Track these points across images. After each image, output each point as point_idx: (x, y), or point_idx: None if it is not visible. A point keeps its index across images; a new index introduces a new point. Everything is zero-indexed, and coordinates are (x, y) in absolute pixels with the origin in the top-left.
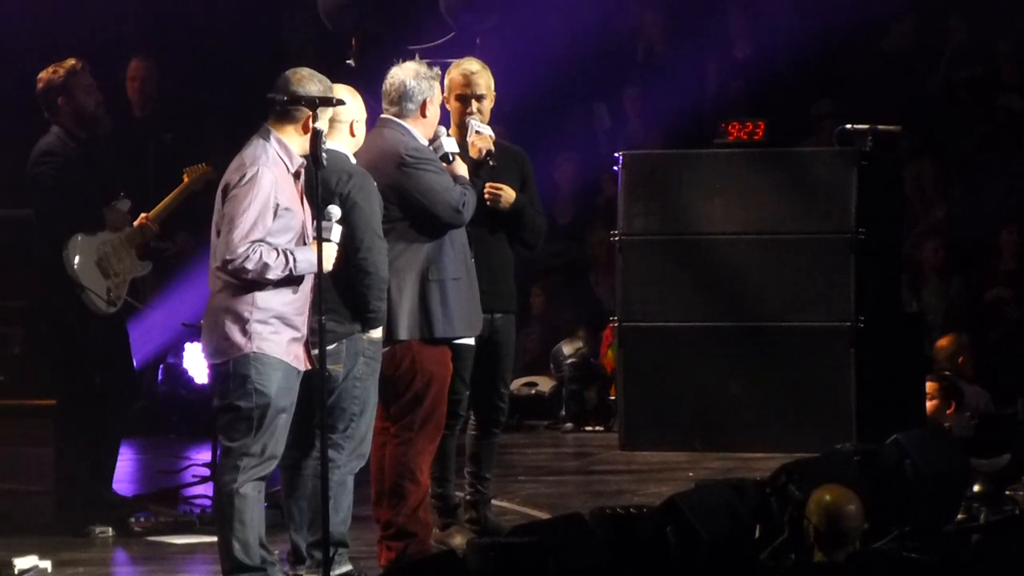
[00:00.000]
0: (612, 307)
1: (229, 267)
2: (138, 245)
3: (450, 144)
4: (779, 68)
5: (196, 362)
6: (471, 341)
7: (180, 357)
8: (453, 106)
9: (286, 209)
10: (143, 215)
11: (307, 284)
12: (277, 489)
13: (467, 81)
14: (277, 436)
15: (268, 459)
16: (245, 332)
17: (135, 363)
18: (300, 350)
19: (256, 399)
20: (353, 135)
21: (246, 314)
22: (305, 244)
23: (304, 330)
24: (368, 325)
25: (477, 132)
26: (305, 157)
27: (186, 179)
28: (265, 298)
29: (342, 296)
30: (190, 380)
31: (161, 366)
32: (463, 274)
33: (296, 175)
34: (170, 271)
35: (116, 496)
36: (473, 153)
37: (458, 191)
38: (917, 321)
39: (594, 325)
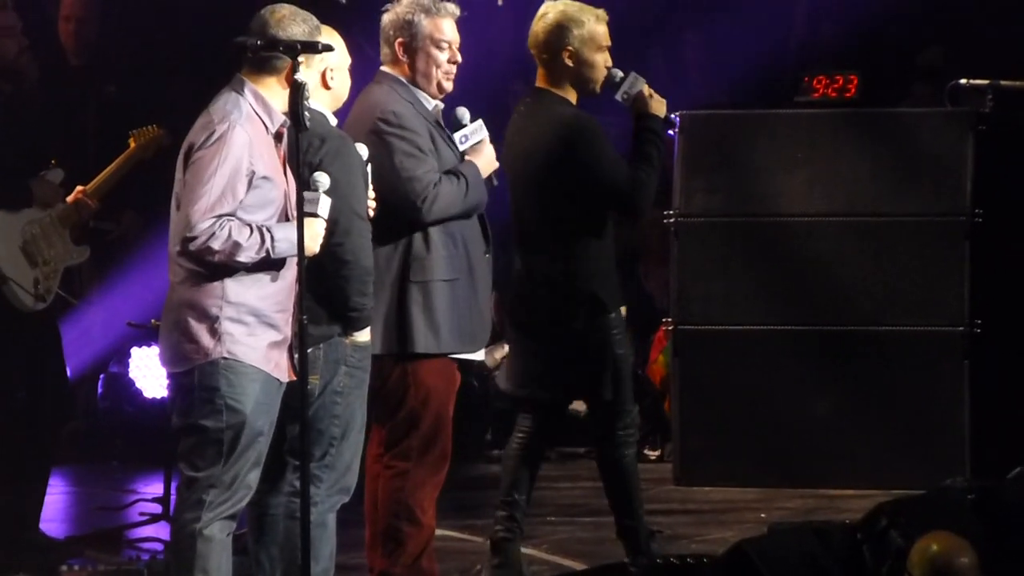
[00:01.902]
0: (665, 306)
1: (190, 247)
2: (73, 226)
3: (477, 129)
4: (876, 6)
5: (145, 371)
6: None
7: (125, 365)
8: (589, 58)
9: (264, 178)
10: (79, 188)
11: (290, 273)
12: (243, 532)
13: (607, 31)
14: (252, 463)
15: (240, 492)
16: (213, 333)
17: (69, 373)
18: (282, 356)
19: (227, 417)
20: (327, 87)
21: (214, 310)
22: (288, 221)
23: (287, 331)
24: (351, 326)
25: (643, 81)
26: (288, 115)
27: (132, 145)
28: (238, 290)
29: (316, 291)
30: (137, 394)
31: (102, 376)
32: (462, 274)
33: (277, 137)
34: (114, 258)
35: (44, 538)
36: (661, 110)
37: (426, 182)
38: None
39: (643, 328)
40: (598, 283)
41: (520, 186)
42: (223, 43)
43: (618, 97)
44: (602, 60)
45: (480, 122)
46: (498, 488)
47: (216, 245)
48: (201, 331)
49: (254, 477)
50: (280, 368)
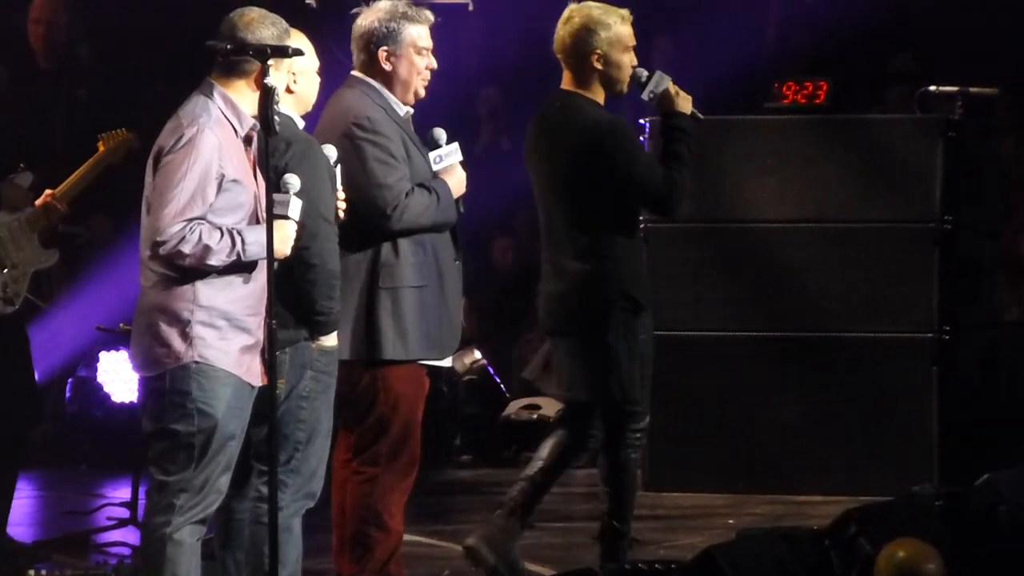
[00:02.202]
0: None
1: (161, 251)
2: (42, 229)
3: (452, 152)
4: (846, 13)
5: (114, 376)
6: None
7: (94, 369)
8: (616, 60)
9: (233, 181)
10: (48, 192)
11: (262, 276)
12: (210, 536)
13: (630, 31)
14: (223, 468)
15: (210, 496)
16: (185, 337)
17: (37, 376)
18: (254, 360)
19: (199, 421)
20: (292, 92)
21: (185, 314)
22: (259, 224)
23: (260, 335)
24: (317, 331)
25: (669, 79)
26: (257, 118)
27: (101, 148)
28: (209, 294)
29: (283, 295)
30: (105, 398)
31: (70, 380)
32: (432, 281)
33: (247, 140)
34: (83, 262)
35: (11, 542)
36: (688, 107)
37: (397, 190)
38: (1017, 332)
39: None
40: (629, 283)
41: (548, 187)
42: (194, 46)
43: (644, 96)
44: (628, 60)
45: (456, 145)
46: (467, 494)
47: (186, 249)
48: (172, 335)
49: (224, 481)
50: (252, 372)
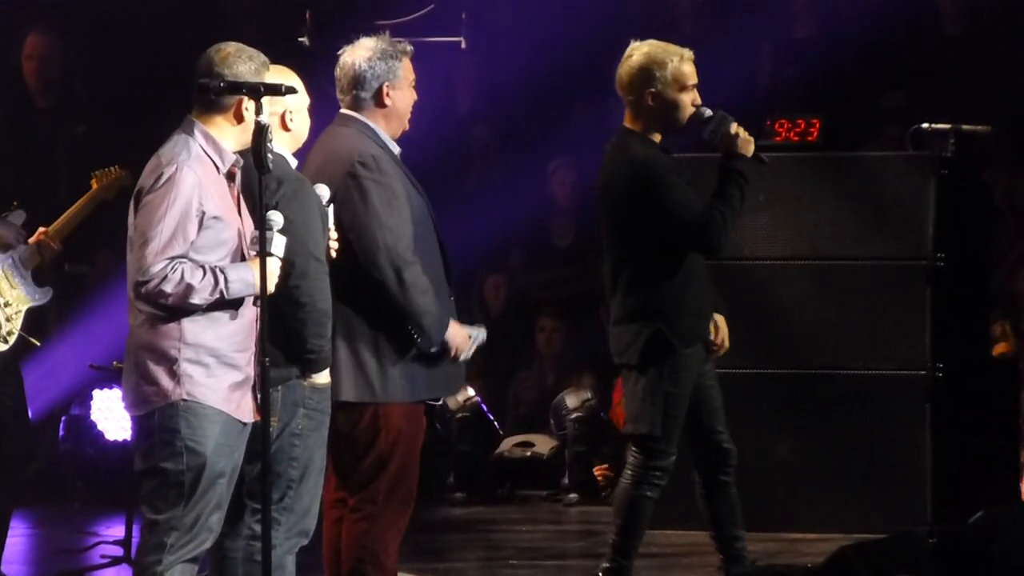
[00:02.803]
0: None
1: (143, 290)
2: (36, 267)
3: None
4: (838, 51)
5: (107, 414)
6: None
7: (87, 407)
8: (673, 99)
9: (215, 218)
10: (41, 230)
11: (249, 312)
12: (205, 574)
13: (692, 68)
14: (214, 506)
15: (201, 534)
16: (173, 375)
17: (31, 415)
18: (245, 398)
19: (187, 459)
20: (287, 129)
21: (172, 352)
22: (244, 261)
23: (250, 371)
24: (309, 368)
25: (731, 120)
26: (242, 154)
27: (95, 186)
28: (195, 331)
29: (272, 333)
30: (99, 436)
31: (63, 418)
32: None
33: (229, 176)
34: (79, 300)
35: None
36: (749, 149)
37: (400, 235)
38: (1010, 369)
39: (604, 371)
40: (666, 321)
41: (605, 225)
42: (189, 83)
43: (705, 136)
44: (688, 99)
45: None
46: (460, 531)
47: (168, 288)
48: (160, 373)
49: (216, 520)
50: (242, 409)
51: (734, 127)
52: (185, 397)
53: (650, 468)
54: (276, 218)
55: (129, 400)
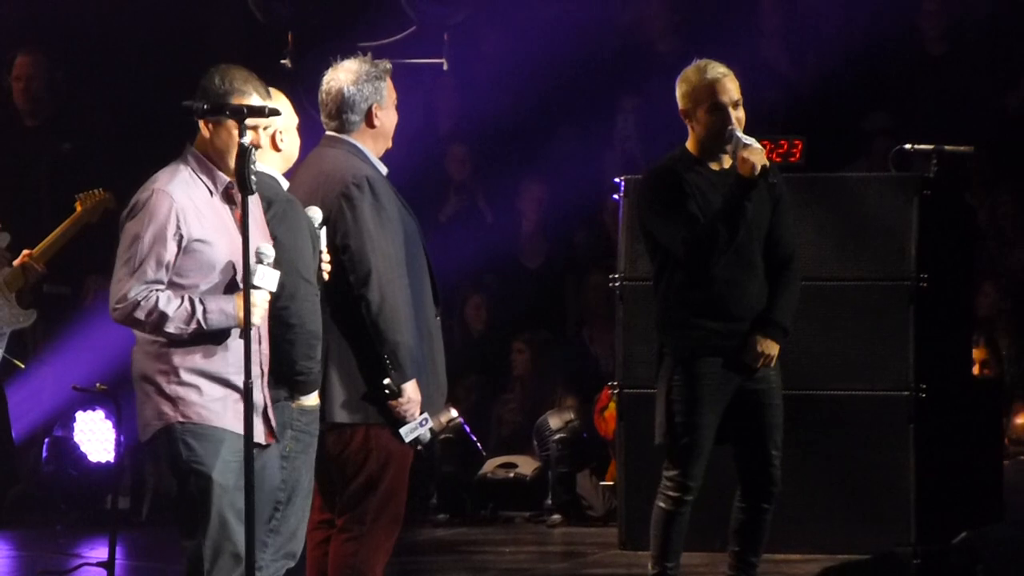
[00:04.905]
0: (610, 369)
1: (115, 316)
2: (20, 289)
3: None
4: (821, 73)
5: (90, 435)
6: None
7: (70, 429)
8: (702, 119)
9: (199, 241)
10: (25, 252)
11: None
12: None
13: (721, 87)
14: (234, 527)
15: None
16: (167, 398)
17: (14, 436)
18: (249, 414)
19: (194, 481)
20: (277, 149)
21: (164, 375)
22: (228, 293)
23: (257, 389)
24: (298, 391)
25: (746, 145)
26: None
27: (79, 208)
28: (182, 354)
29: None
30: (82, 457)
31: (46, 440)
32: (420, 338)
33: (227, 198)
34: (61, 322)
35: None
36: (745, 170)
37: (394, 260)
38: (993, 389)
39: (588, 392)
40: (671, 333)
41: None
42: (160, 90)
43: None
44: (715, 118)
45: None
46: (443, 553)
47: (141, 315)
48: (155, 397)
49: (241, 541)
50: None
51: (741, 150)
52: (181, 419)
53: (664, 479)
54: (267, 251)
55: (139, 429)
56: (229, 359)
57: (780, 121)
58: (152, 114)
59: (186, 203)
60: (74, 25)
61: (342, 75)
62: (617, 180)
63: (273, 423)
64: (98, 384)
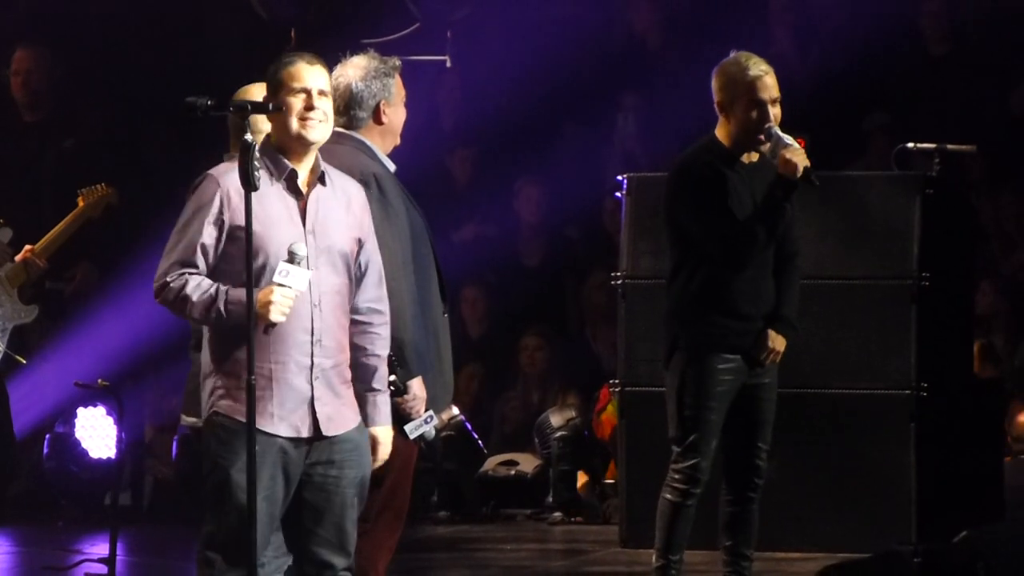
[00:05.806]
0: (612, 366)
1: (155, 295)
2: (22, 285)
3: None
4: (821, 71)
5: (91, 431)
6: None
7: (71, 425)
8: (740, 114)
9: (240, 227)
10: (27, 248)
11: (288, 324)
12: None
13: (763, 84)
14: (263, 526)
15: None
16: (207, 391)
17: (15, 432)
18: (281, 410)
19: (214, 474)
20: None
21: (206, 368)
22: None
23: (287, 381)
24: None
25: (787, 144)
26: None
27: (81, 204)
28: (224, 347)
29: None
30: (83, 454)
31: (47, 436)
32: (429, 335)
33: (291, 188)
34: (62, 317)
35: None
36: (788, 171)
37: (401, 258)
38: (995, 389)
39: (589, 389)
40: (687, 327)
41: None
42: (160, 86)
43: (768, 155)
44: (753, 114)
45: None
46: (444, 550)
47: (170, 297)
48: (201, 390)
49: (266, 537)
50: (285, 424)
51: (783, 151)
52: (214, 413)
53: (672, 471)
54: (300, 251)
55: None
56: (263, 352)
57: (781, 120)
58: (154, 110)
59: (234, 190)
60: (75, 20)
61: (351, 71)
62: (620, 178)
63: (319, 415)
64: (99, 380)
